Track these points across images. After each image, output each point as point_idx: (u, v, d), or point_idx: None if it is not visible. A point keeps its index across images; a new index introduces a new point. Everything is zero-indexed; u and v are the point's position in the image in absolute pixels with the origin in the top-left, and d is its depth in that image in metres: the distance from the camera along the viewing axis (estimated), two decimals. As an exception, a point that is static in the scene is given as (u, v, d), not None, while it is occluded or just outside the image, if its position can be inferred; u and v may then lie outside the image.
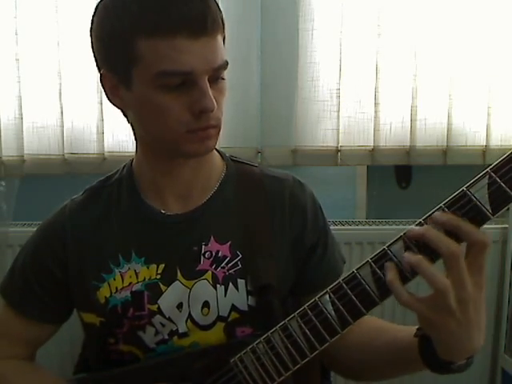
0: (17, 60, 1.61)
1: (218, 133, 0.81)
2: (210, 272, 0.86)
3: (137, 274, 0.87)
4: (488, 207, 0.63)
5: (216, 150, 0.94)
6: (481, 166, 0.66)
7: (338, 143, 1.69)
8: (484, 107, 1.68)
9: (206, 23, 0.73)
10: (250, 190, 0.92)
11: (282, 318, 0.76)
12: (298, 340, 0.74)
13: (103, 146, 1.66)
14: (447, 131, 1.69)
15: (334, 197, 1.78)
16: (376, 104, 1.66)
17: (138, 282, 0.87)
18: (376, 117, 1.67)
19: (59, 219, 0.92)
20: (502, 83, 1.67)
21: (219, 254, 0.87)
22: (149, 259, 0.87)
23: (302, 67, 1.66)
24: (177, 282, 0.86)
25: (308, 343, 0.73)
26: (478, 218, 0.64)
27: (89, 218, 0.91)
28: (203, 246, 0.87)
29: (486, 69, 1.66)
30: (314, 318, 0.73)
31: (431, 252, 0.64)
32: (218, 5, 0.77)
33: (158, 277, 0.86)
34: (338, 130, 1.68)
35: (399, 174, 1.98)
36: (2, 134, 1.64)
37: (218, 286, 0.86)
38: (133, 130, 0.87)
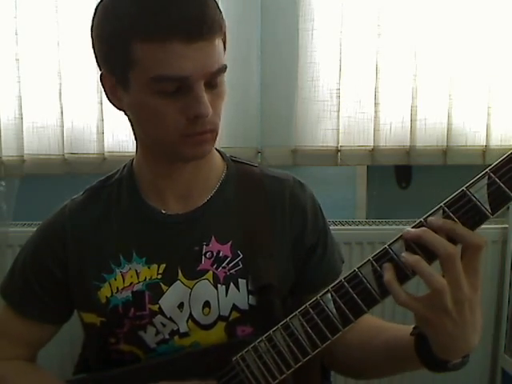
0: (17, 60, 1.61)
1: (215, 136, 0.80)
2: (211, 272, 0.87)
3: (138, 274, 0.87)
4: (487, 207, 0.65)
5: (216, 150, 0.95)
6: (481, 166, 0.67)
7: (338, 143, 1.69)
8: (484, 107, 1.68)
9: (202, 27, 0.72)
10: (250, 190, 0.92)
11: (282, 318, 0.77)
12: (300, 338, 0.75)
13: (103, 145, 1.66)
14: (447, 131, 1.69)
15: (334, 197, 1.78)
16: (376, 104, 1.66)
17: (139, 282, 0.87)
18: (376, 117, 1.67)
19: (59, 219, 0.92)
20: (502, 83, 1.67)
21: (220, 254, 0.87)
22: (150, 259, 0.87)
23: (302, 67, 1.66)
24: (178, 281, 0.86)
25: (310, 341, 0.74)
26: (477, 218, 0.65)
27: (89, 218, 0.90)
28: (204, 246, 0.87)
29: (486, 69, 1.66)
30: (315, 316, 0.74)
31: (429, 252, 0.66)
32: (218, 8, 0.76)
33: (159, 277, 0.86)
34: (337, 130, 1.68)
35: (399, 174, 1.98)
36: (2, 134, 1.63)
37: (218, 285, 0.86)
38: (133, 130, 0.87)
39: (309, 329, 0.74)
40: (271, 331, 0.76)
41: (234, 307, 0.87)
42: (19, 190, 1.79)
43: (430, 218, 0.67)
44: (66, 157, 1.67)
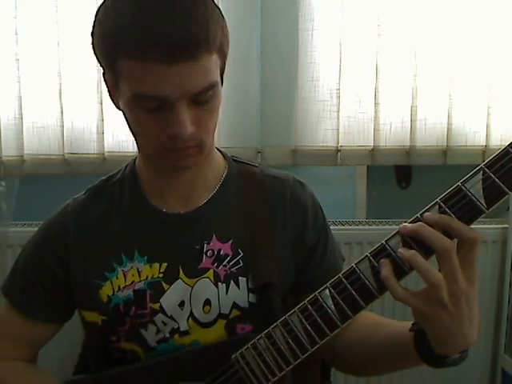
0: (17, 60, 1.61)
1: (203, 150, 0.80)
2: (211, 270, 0.87)
3: (139, 273, 0.87)
4: (482, 201, 0.66)
5: (218, 149, 0.95)
6: (480, 167, 0.67)
7: (338, 143, 1.69)
8: (484, 107, 1.68)
9: (184, 48, 0.69)
10: (251, 189, 0.92)
11: (282, 316, 0.77)
12: (299, 335, 0.75)
13: (103, 145, 1.66)
14: (447, 131, 1.69)
15: (333, 197, 1.78)
16: (376, 104, 1.66)
17: (140, 281, 0.87)
18: (376, 117, 1.67)
19: (61, 218, 0.92)
20: (501, 83, 1.67)
21: (221, 253, 0.87)
22: (151, 258, 0.87)
23: (302, 67, 1.66)
24: (179, 280, 0.87)
25: (309, 338, 0.75)
26: (473, 212, 0.67)
27: (91, 218, 0.91)
28: (205, 245, 0.87)
29: (486, 69, 1.66)
30: (314, 313, 0.74)
31: (426, 247, 0.67)
32: (213, 22, 0.72)
33: (161, 275, 0.87)
34: (337, 130, 1.68)
35: (399, 174, 1.98)
36: (2, 134, 1.63)
37: (219, 284, 0.87)
38: None
39: (308, 325, 0.75)
40: (270, 328, 0.77)
41: (235, 305, 0.87)
42: (19, 190, 1.79)
43: (426, 214, 0.68)
44: (66, 157, 1.67)
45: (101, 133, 1.65)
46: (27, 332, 0.93)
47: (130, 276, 0.87)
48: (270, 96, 1.69)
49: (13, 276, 0.94)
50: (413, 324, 0.76)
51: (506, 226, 1.76)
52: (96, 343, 0.93)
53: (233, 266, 0.87)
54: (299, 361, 0.76)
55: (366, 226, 1.79)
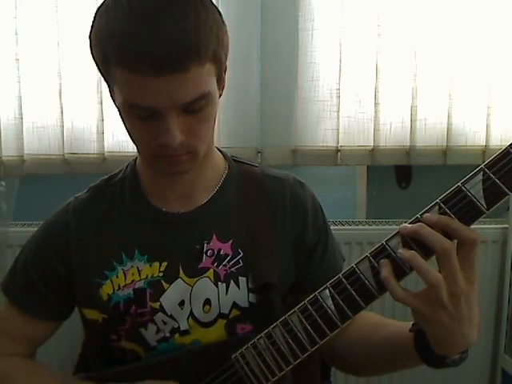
0: (17, 60, 1.61)
1: (195, 157, 0.79)
2: (211, 270, 0.87)
3: (139, 272, 0.87)
4: (482, 202, 0.66)
5: (218, 149, 0.95)
6: (480, 167, 0.67)
7: (338, 143, 1.70)
8: (484, 107, 1.68)
9: (171, 61, 0.67)
10: (251, 189, 0.92)
11: (282, 316, 0.77)
12: (299, 335, 0.75)
13: (103, 145, 1.66)
14: (447, 131, 1.69)
15: (333, 197, 1.78)
16: (376, 104, 1.66)
17: (140, 280, 0.87)
18: (376, 117, 1.67)
19: (62, 217, 0.93)
20: (501, 83, 1.67)
21: (221, 252, 0.88)
22: (152, 257, 0.87)
23: (302, 67, 1.66)
24: (179, 279, 0.87)
25: (309, 338, 0.75)
26: (473, 213, 0.67)
27: (92, 217, 0.91)
28: (205, 244, 0.88)
29: (486, 69, 1.66)
30: (314, 313, 0.74)
31: (426, 248, 0.67)
32: (208, 30, 0.70)
33: (161, 274, 0.87)
34: (337, 130, 1.68)
35: (399, 174, 1.98)
36: (2, 134, 1.63)
37: (219, 283, 0.87)
38: None
39: (308, 325, 0.75)
40: (270, 328, 0.77)
41: (234, 305, 0.87)
42: (19, 190, 1.79)
43: (425, 214, 0.68)
44: (66, 157, 1.67)
45: (101, 133, 1.65)
46: (27, 330, 0.93)
47: (130, 275, 0.87)
48: (270, 96, 1.69)
49: (13, 274, 0.94)
50: (413, 324, 0.76)
51: (506, 226, 1.76)
52: (96, 342, 0.93)
53: (233, 266, 0.87)
54: (299, 361, 0.76)
55: (366, 226, 1.79)
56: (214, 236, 0.88)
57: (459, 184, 0.67)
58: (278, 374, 0.76)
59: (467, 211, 0.67)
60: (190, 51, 0.68)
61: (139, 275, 0.87)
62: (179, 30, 0.67)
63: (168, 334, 0.87)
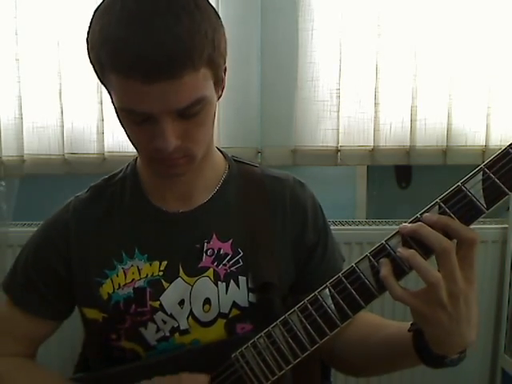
0: (17, 60, 1.61)
1: (192, 160, 0.79)
2: (211, 269, 0.87)
3: (139, 271, 0.87)
4: (482, 202, 0.66)
5: (218, 149, 0.95)
6: (480, 167, 0.68)
7: (338, 143, 1.70)
8: (484, 107, 1.68)
9: (163, 68, 0.67)
10: (251, 189, 0.92)
11: (282, 315, 0.77)
12: (299, 334, 0.75)
13: (103, 146, 1.66)
14: (447, 131, 1.69)
15: (333, 197, 1.78)
16: (376, 104, 1.67)
17: (140, 279, 0.87)
18: (376, 117, 1.67)
19: (63, 217, 0.93)
20: (501, 83, 1.67)
21: (221, 252, 0.88)
22: (152, 256, 0.88)
23: (302, 67, 1.66)
24: (179, 278, 0.87)
25: (308, 337, 0.75)
26: (473, 213, 0.67)
27: (92, 216, 0.91)
28: (205, 244, 0.88)
29: (486, 69, 1.66)
30: (314, 312, 0.74)
31: (425, 247, 0.67)
32: (203, 35, 0.69)
33: (161, 274, 0.87)
34: (337, 130, 1.68)
35: (399, 174, 1.98)
36: (2, 134, 1.63)
37: (219, 283, 0.87)
38: None
39: (307, 324, 0.75)
40: (270, 327, 0.77)
41: (234, 304, 0.87)
42: (19, 190, 1.79)
43: (425, 214, 0.68)
44: (66, 157, 1.67)
45: (101, 133, 1.65)
46: (29, 329, 0.93)
47: (130, 274, 0.87)
48: (270, 96, 1.69)
49: (14, 274, 0.95)
50: (411, 324, 0.76)
51: (506, 226, 1.77)
52: (96, 342, 0.93)
53: (233, 266, 0.88)
54: (299, 360, 0.76)
55: (366, 226, 1.79)
56: (214, 235, 0.88)
57: (459, 184, 0.67)
58: (278, 373, 0.76)
59: (467, 211, 0.67)
60: (184, 57, 0.68)
61: (139, 274, 0.87)
62: (172, 36, 0.67)
63: (168, 334, 0.87)
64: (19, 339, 0.94)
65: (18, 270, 0.94)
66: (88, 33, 0.74)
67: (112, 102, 0.79)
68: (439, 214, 0.67)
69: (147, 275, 0.87)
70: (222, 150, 0.97)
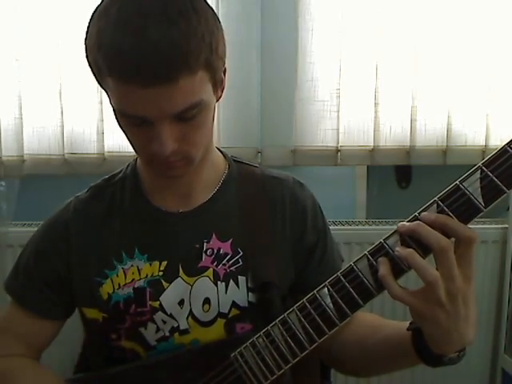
0: (17, 60, 1.61)
1: (190, 162, 0.79)
2: (211, 269, 0.87)
3: (139, 271, 0.87)
4: (480, 200, 0.66)
5: (218, 150, 0.96)
6: (480, 167, 0.68)
7: (338, 143, 1.70)
8: (483, 107, 1.68)
9: (158, 72, 0.66)
10: (251, 190, 0.93)
11: (281, 315, 0.77)
12: (298, 333, 0.75)
13: (103, 146, 1.66)
14: (447, 131, 1.69)
15: (333, 197, 1.78)
16: (376, 104, 1.67)
17: (140, 279, 0.87)
18: (376, 117, 1.67)
19: (63, 217, 0.93)
20: (501, 83, 1.67)
21: (220, 252, 0.88)
22: (151, 256, 0.88)
23: (302, 67, 1.66)
24: (179, 278, 0.87)
25: (307, 336, 0.75)
26: (471, 211, 0.67)
27: (92, 216, 0.91)
28: (205, 244, 0.88)
29: (486, 69, 1.66)
30: (312, 311, 0.74)
31: (423, 246, 0.67)
32: (200, 37, 0.69)
33: (161, 274, 0.87)
34: (337, 130, 1.68)
35: (399, 174, 1.98)
36: (2, 134, 1.63)
37: (218, 282, 0.87)
38: None
39: (306, 324, 0.75)
40: (269, 327, 0.77)
41: (234, 304, 0.87)
42: (19, 190, 1.79)
43: (423, 213, 0.68)
44: (66, 157, 1.67)
45: (101, 133, 1.65)
46: (33, 329, 0.93)
47: (130, 274, 0.87)
48: (270, 96, 1.69)
49: (16, 274, 0.95)
50: (410, 323, 0.77)
51: (506, 226, 1.77)
52: (96, 342, 0.93)
53: (232, 265, 0.88)
54: (298, 359, 0.76)
55: (366, 226, 1.79)
56: (214, 235, 0.88)
57: (457, 182, 0.67)
58: (277, 372, 0.76)
59: (465, 209, 0.67)
60: (179, 61, 0.67)
61: (139, 274, 0.87)
62: (168, 41, 0.66)
63: (167, 334, 0.88)
64: (22, 339, 0.93)
65: (19, 270, 0.94)
66: (86, 34, 0.74)
67: (110, 103, 0.79)
68: (437, 212, 0.67)
69: (147, 275, 0.87)
70: (221, 150, 0.97)
